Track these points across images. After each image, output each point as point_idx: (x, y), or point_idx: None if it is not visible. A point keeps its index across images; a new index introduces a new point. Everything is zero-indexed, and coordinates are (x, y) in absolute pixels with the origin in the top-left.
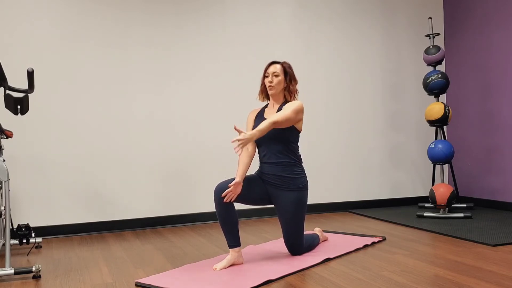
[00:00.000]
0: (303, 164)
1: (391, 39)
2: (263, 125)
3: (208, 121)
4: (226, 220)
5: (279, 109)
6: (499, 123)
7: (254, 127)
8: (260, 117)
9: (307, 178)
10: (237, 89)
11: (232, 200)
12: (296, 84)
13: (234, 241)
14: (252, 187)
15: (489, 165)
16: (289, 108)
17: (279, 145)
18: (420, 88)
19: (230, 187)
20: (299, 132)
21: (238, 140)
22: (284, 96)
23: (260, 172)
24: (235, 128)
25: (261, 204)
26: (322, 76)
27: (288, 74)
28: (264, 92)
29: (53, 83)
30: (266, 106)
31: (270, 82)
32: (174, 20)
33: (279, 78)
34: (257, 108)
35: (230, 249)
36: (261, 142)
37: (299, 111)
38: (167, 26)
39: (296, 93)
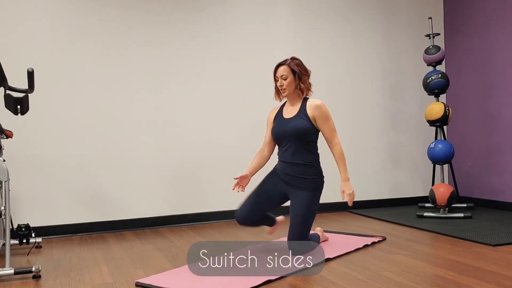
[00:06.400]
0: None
1: (391, 39)
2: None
3: (208, 121)
4: (257, 225)
5: (302, 108)
6: (499, 123)
7: (274, 127)
8: (279, 117)
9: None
10: (238, 89)
11: (243, 190)
12: (308, 78)
13: (271, 223)
14: (271, 199)
15: (489, 165)
16: (325, 123)
17: (294, 146)
18: (420, 88)
19: (236, 179)
20: (318, 130)
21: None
22: (301, 93)
23: (276, 168)
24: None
25: (283, 203)
26: (322, 76)
27: (296, 72)
28: (279, 93)
29: (53, 83)
30: (284, 104)
31: (281, 86)
32: (174, 20)
33: (288, 79)
34: (276, 107)
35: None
36: (279, 141)
37: (328, 114)
38: (167, 26)
39: (311, 85)
